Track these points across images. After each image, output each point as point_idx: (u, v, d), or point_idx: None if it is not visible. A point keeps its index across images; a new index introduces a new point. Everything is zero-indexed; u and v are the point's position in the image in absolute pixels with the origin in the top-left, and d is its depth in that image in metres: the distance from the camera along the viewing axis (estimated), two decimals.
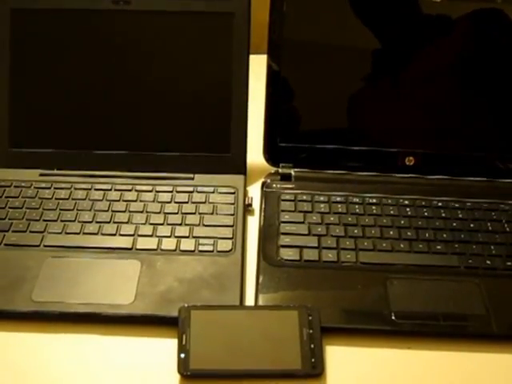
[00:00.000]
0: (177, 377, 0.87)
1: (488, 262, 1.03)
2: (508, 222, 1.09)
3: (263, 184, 1.16)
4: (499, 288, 0.99)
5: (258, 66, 1.17)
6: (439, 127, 1.18)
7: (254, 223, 1.11)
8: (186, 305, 0.93)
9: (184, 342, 0.89)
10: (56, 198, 1.12)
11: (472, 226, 1.09)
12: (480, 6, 1.13)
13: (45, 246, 1.04)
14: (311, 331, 0.90)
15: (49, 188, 1.13)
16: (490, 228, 1.08)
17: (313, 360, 0.88)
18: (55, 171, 1.16)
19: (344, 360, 0.91)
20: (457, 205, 1.12)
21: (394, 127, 1.19)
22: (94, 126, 1.17)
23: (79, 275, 0.99)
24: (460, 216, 1.10)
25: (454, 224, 1.09)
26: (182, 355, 0.88)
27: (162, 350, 0.91)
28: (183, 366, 0.87)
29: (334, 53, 1.17)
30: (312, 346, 0.89)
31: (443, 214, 1.10)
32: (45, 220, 1.08)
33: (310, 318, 0.92)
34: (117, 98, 1.17)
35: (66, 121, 1.17)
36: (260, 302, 0.97)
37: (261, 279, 1.00)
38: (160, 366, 0.89)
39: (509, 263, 1.03)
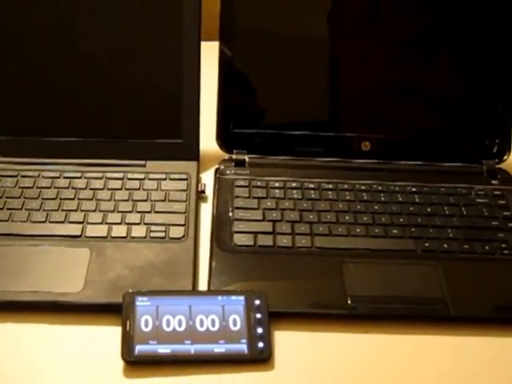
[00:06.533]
0: (122, 363, 0.86)
1: (445, 245, 1.02)
2: (465, 205, 1.09)
3: (216, 170, 1.14)
4: (456, 271, 0.98)
5: (210, 53, 1.14)
6: (394, 112, 1.17)
7: (207, 210, 1.09)
8: (129, 290, 0.91)
9: (128, 328, 0.87)
10: (2, 186, 1.08)
11: (429, 210, 1.07)
12: None
13: None
14: (259, 316, 0.89)
15: None
16: (447, 212, 1.07)
17: (260, 344, 0.86)
18: (0, 159, 1.12)
19: (296, 345, 0.90)
20: (413, 189, 1.11)
21: (349, 112, 1.18)
22: (42, 112, 1.14)
23: (26, 263, 0.97)
24: (417, 200, 1.09)
25: (411, 208, 1.07)
26: (126, 341, 0.86)
27: (111, 337, 0.88)
28: (127, 352, 0.85)
29: (286, 38, 1.15)
30: (260, 330, 0.88)
31: (400, 199, 1.09)
32: None
33: (258, 302, 0.90)
34: (65, 83, 1.13)
35: (11, 107, 1.14)
36: (212, 288, 0.95)
37: (214, 265, 0.98)
38: (108, 353, 0.87)
39: (466, 246, 1.02)
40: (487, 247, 1.02)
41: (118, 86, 1.14)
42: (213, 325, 0.88)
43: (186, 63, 1.13)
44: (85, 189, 1.08)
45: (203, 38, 1.13)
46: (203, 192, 1.11)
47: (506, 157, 1.16)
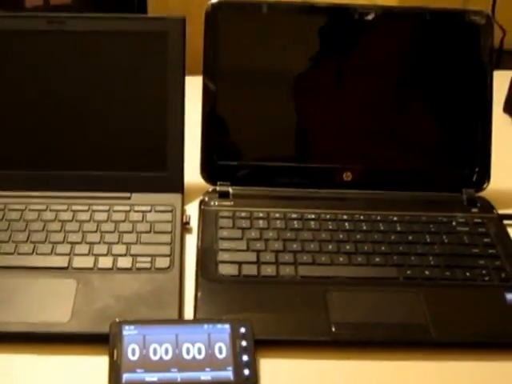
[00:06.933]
0: None
1: (427, 272, 1.03)
2: (446, 233, 1.10)
3: (201, 202, 1.15)
4: (438, 297, 1.00)
5: (194, 87, 1.17)
6: (375, 143, 1.19)
7: (192, 241, 1.10)
8: (116, 320, 0.92)
9: (115, 357, 0.88)
10: None
11: (410, 238, 1.09)
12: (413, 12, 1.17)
13: None
14: (244, 343, 0.90)
15: None
16: (429, 240, 1.09)
17: (246, 372, 0.87)
18: None
19: (281, 372, 0.91)
20: (395, 218, 1.13)
21: (330, 144, 1.20)
22: (28, 145, 1.15)
23: (13, 295, 0.97)
24: (398, 229, 1.11)
25: (393, 237, 1.09)
26: (113, 370, 0.87)
27: (99, 366, 0.89)
28: (115, 381, 0.86)
29: (268, 73, 1.18)
30: (245, 357, 0.89)
31: (382, 228, 1.11)
32: None
33: (243, 330, 0.91)
34: (52, 117, 1.15)
35: None
36: (198, 317, 0.96)
37: (199, 295, 0.99)
38: (95, 382, 0.88)
39: (447, 273, 1.03)
40: (468, 274, 1.03)
41: (103, 121, 1.16)
42: (199, 353, 0.89)
43: (170, 98, 1.15)
44: (71, 221, 1.09)
45: (190, 73, 1.16)
46: (188, 223, 1.12)
47: (485, 185, 1.18)
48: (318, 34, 1.17)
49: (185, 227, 1.12)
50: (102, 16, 1.15)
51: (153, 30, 1.15)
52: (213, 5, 1.14)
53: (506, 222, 1.15)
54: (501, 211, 1.17)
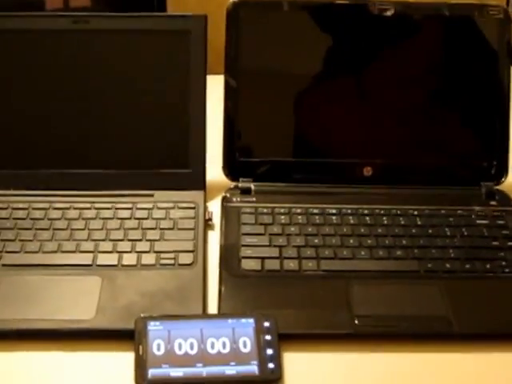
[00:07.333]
0: None
1: (447, 265, 1.04)
2: (466, 226, 1.11)
3: (223, 198, 1.16)
4: (459, 289, 1.00)
5: (215, 86, 1.18)
6: (394, 138, 1.20)
7: (215, 237, 1.11)
8: (142, 315, 0.93)
9: (141, 353, 0.89)
10: (14, 218, 1.10)
11: (430, 231, 1.10)
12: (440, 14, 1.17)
13: (3, 265, 1.03)
14: (269, 337, 0.90)
15: (5, 208, 1.12)
16: (448, 233, 1.10)
17: (271, 365, 0.88)
18: (12, 191, 1.15)
19: (305, 365, 0.92)
20: (415, 212, 1.13)
21: (350, 139, 1.21)
22: (52, 144, 1.17)
23: (39, 292, 0.98)
24: (418, 223, 1.11)
25: (413, 230, 1.10)
26: (139, 366, 0.88)
27: (124, 362, 0.90)
28: (140, 377, 0.87)
29: (289, 70, 1.19)
30: (270, 351, 0.89)
31: (402, 222, 1.11)
32: (2, 240, 1.06)
33: (267, 324, 0.92)
34: (75, 116, 1.17)
35: (22, 140, 1.17)
36: (222, 312, 0.97)
37: (223, 290, 1.00)
38: (121, 378, 0.88)
39: (467, 265, 1.04)
40: (488, 266, 1.04)
41: (125, 118, 1.17)
42: (224, 347, 0.90)
43: (192, 96, 1.16)
44: (95, 219, 1.11)
45: (208, 71, 1.17)
46: (210, 220, 1.13)
47: (503, 179, 1.19)
48: (339, 31, 1.18)
49: (207, 224, 1.13)
50: (125, 15, 1.16)
51: (175, 28, 1.16)
52: (234, 3, 1.15)
53: None
54: None
